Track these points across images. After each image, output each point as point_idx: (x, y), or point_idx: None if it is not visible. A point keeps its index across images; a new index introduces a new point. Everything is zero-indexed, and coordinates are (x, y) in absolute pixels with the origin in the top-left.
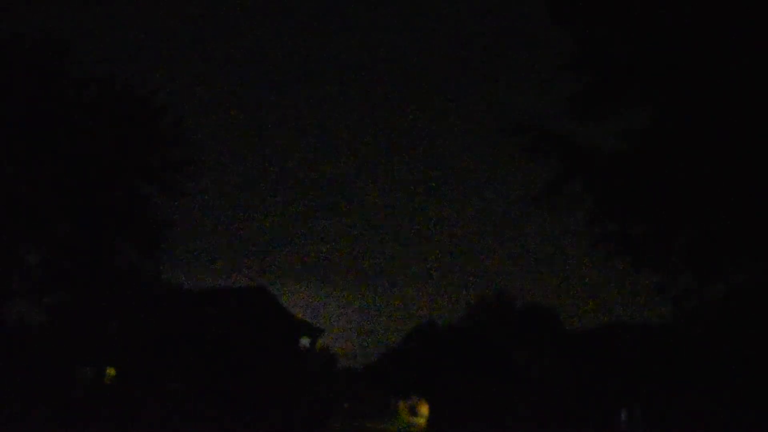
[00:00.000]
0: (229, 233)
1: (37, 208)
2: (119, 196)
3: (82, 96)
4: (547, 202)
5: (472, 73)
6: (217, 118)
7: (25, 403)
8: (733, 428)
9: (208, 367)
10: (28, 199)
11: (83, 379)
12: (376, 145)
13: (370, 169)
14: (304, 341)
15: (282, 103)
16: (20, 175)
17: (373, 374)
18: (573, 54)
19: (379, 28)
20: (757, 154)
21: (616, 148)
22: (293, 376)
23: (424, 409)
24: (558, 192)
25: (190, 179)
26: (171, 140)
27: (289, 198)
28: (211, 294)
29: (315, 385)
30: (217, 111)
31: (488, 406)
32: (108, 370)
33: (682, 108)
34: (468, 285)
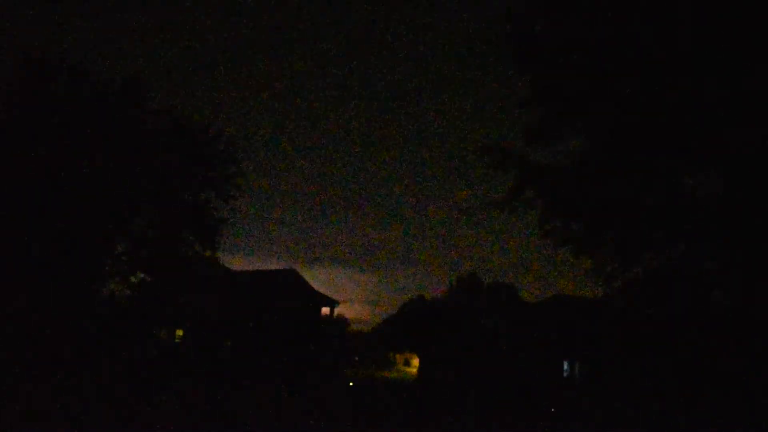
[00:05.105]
0: (269, 228)
1: (125, 211)
2: (186, 201)
3: (159, 124)
4: (508, 205)
5: (455, 105)
6: (259, 135)
7: (115, 356)
8: (645, 376)
9: (252, 329)
10: (118, 204)
11: (158, 339)
12: (385, 158)
13: (379, 176)
14: (325, 310)
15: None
16: (112, 186)
17: (377, 335)
18: (529, 93)
19: (383, 60)
20: (668, 172)
21: (561, 165)
22: (315, 337)
23: (415, 361)
24: (516, 198)
25: (238, 187)
26: (225, 158)
27: (314, 200)
28: (254, 275)
29: (332, 343)
30: (259, 129)
31: (463, 359)
32: (177, 332)
33: (611, 135)
34: (449, 267)
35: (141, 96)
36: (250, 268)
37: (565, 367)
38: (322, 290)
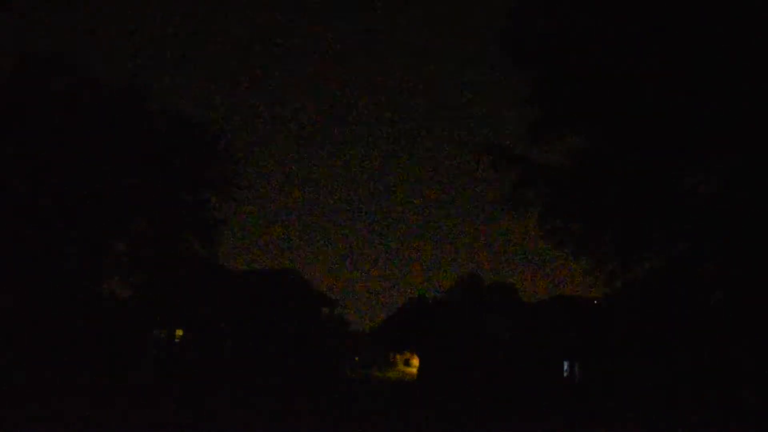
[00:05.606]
0: (269, 227)
1: (124, 211)
2: (185, 201)
3: (159, 124)
4: (508, 205)
5: (461, 107)
6: (257, 135)
7: (118, 357)
8: (645, 376)
9: (251, 330)
10: (117, 204)
11: (158, 338)
12: (389, 161)
13: (385, 182)
14: (325, 310)
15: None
16: (112, 186)
17: (377, 335)
18: (529, 93)
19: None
20: (668, 172)
21: (561, 164)
22: (315, 337)
23: (415, 361)
24: (516, 198)
25: (237, 187)
26: (224, 158)
27: (315, 199)
28: (254, 274)
29: (331, 343)
30: (258, 130)
31: (463, 359)
32: (177, 332)
33: (611, 135)
34: (449, 267)
35: (141, 96)
36: (250, 267)
37: (565, 367)
38: (322, 290)
